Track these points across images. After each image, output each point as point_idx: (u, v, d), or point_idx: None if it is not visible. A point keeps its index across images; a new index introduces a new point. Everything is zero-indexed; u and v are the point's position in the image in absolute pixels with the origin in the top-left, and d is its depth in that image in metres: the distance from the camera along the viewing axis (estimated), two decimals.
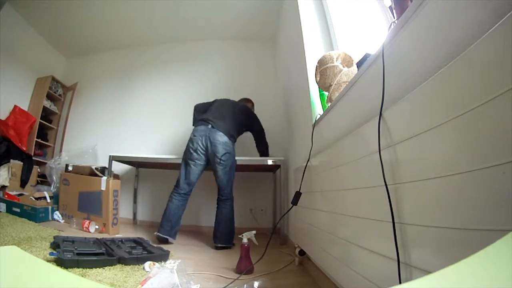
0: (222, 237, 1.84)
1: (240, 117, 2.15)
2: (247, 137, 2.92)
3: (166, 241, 1.84)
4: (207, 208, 2.75)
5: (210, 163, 1.95)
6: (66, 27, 3.06)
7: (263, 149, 2.32)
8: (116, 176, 2.38)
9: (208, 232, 2.59)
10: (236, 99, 3.20)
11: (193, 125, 2.14)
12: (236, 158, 2.31)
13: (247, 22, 2.96)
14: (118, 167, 2.49)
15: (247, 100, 2.49)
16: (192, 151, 1.93)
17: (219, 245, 1.81)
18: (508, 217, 0.31)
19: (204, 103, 2.27)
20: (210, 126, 1.94)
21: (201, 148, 1.91)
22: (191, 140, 1.95)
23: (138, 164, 2.71)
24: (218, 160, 1.88)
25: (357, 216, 0.72)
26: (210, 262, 1.47)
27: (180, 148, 2.88)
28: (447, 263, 0.23)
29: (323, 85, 1.18)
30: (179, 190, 1.94)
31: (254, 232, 1.41)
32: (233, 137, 2.00)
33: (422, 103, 0.48)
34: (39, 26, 3.04)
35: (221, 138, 1.90)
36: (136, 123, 3.16)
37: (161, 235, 1.82)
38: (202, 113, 2.11)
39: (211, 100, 2.28)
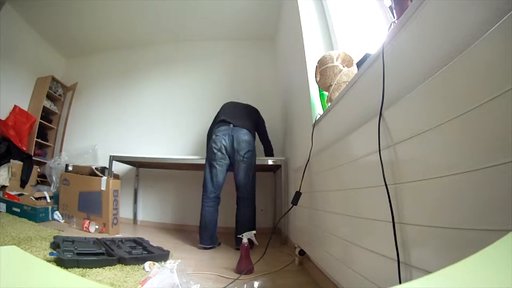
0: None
1: (253, 116, 2.19)
2: None
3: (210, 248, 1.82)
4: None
5: (231, 162, 1.91)
6: (66, 27, 3.05)
7: (268, 146, 2.34)
8: (116, 176, 2.38)
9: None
10: (237, 98, 3.21)
11: (209, 134, 2.18)
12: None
13: (247, 22, 2.96)
14: (118, 167, 2.49)
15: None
16: (216, 151, 1.88)
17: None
18: (508, 217, 0.31)
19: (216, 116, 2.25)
20: (231, 125, 1.94)
21: (225, 147, 1.87)
22: (213, 141, 1.90)
23: (138, 164, 2.71)
24: (241, 158, 1.84)
25: (357, 216, 0.72)
26: (210, 262, 1.47)
27: (180, 148, 2.90)
28: (447, 263, 0.23)
29: (323, 85, 1.18)
30: (208, 194, 1.87)
31: (254, 232, 1.41)
32: (253, 136, 2.01)
33: (422, 103, 0.48)
34: (39, 26, 3.04)
35: (244, 136, 1.90)
36: (136, 123, 3.16)
37: (204, 246, 1.79)
38: (217, 121, 2.10)
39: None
